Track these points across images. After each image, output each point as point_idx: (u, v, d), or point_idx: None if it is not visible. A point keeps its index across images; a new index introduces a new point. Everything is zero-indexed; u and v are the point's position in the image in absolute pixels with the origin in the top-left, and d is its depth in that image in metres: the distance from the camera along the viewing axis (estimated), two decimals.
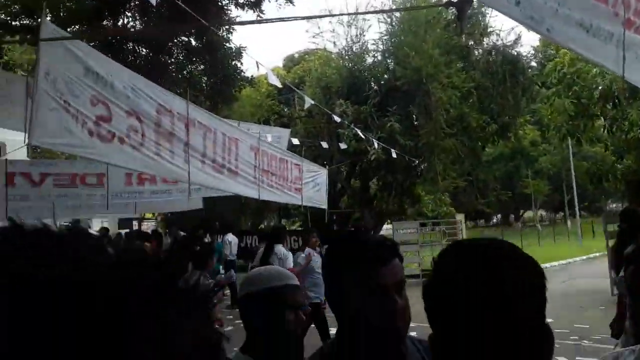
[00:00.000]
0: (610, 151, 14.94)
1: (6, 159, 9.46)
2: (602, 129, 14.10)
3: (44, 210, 11.62)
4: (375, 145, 13.30)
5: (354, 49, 18.91)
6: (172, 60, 13.65)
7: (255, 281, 1.82)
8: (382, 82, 18.11)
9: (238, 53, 14.07)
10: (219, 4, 12.86)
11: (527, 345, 0.94)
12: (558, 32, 2.65)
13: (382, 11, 18.85)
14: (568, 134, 13.82)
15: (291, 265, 7.60)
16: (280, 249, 7.84)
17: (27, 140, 4.06)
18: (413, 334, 1.48)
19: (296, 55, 25.10)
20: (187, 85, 12.53)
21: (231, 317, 9.50)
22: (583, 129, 13.67)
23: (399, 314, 1.34)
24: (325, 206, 10.71)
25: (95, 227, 17.07)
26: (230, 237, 13.09)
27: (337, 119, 11.34)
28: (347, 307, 1.38)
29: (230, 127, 7.25)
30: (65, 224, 21.24)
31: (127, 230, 18.18)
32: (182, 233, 14.08)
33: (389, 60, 18.65)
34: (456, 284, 0.98)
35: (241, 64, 14.58)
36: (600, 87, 12.75)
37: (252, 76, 15.75)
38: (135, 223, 24.38)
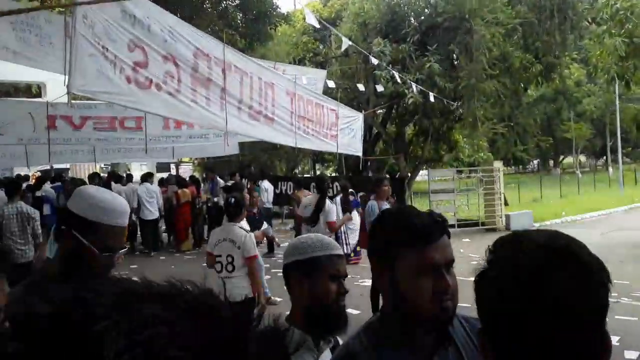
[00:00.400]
0: None
1: (47, 102, 9.58)
2: None
3: (84, 154, 11.92)
4: (414, 88, 12.96)
5: None
6: None
7: (299, 250, 1.82)
8: (422, 17, 17.38)
9: None
10: None
11: (581, 353, 0.89)
12: None
13: None
14: (617, 75, 13.13)
15: (334, 217, 7.50)
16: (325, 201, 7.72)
17: (67, 86, 4.06)
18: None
19: None
20: (222, 23, 12.31)
21: (268, 265, 9.69)
22: (633, 71, 12.97)
23: (448, 294, 1.31)
24: (360, 153, 10.62)
25: (135, 172, 17.40)
26: (266, 184, 13.16)
27: (373, 60, 11.02)
28: (393, 284, 1.34)
29: (267, 70, 7.13)
30: (104, 166, 21.68)
31: (167, 174, 18.46)
32: (219, 179, 14.18)
33: None
34: (515, 284, 0.92)
35: None
36: None
37: (287, 12, 15.34)
38: (172, 167, 24.86)
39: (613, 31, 12.31)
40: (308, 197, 8.37)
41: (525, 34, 16.41)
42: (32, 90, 21.17)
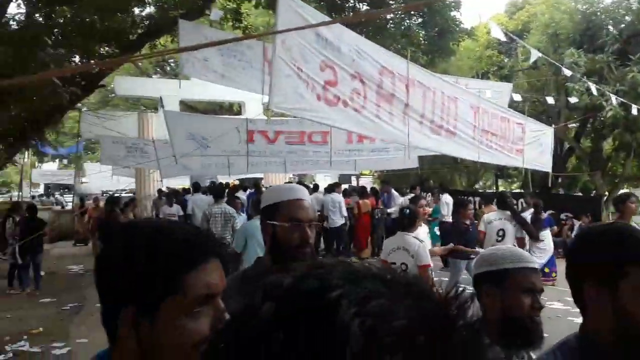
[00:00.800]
0: None
1: (247, 119, 10.66)
2: None
3: (276, 165, 12.97)
4: (613, 100, 11.80)
5: None
6: (390, 15, 13.64)
7: (490, 261, 1.78)
8: (622, 25, 15.82)
9: (457, 3, 13.55)
10: None
11: None
12: None
13: None
14: None
15: (523, 233, 7.36)
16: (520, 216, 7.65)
17: (264, 103, 4.54)
18: None
19: (520, 0, 23.16)
20: (405, 41, 12.52)
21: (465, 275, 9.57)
22: None
23: None
24: (549, 169, 9.94)
25: (320, 182, 18.43)
26: (447, 198, 13.04)
27: (566, 71, 10.28)
28: (616, 304, 1.25)
29: (450, 85, 7.09)
30: (292, 177, 23.32)
31: (348, 185, 19.22)
32: (394, 192, 14.31)
33: (631, 0, 16.18)
34: None
35: (460, 14, 14.02)
36: None
37: (471, 27, 15.04)
38: (353, 178, 25.74)
39: None
40: (491, 213, 8.15)
41: None
42: (233, 109, 23.71)
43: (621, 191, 19.55)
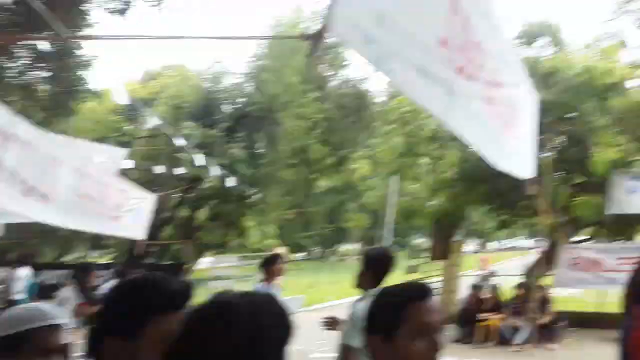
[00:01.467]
0: (426, 189, 14.99)
1: None
2: (424, 168, 14.72)
3: None
4: (216, 171, 12.72)
5: (214, 69, 18.53)
6: (15, 65, 12.42)
7: (4, 324, 1.58)
8: (236, 106, 17.69)
9: (87, 63, 12.89)
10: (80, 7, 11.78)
11: None
12: (398, 75, 2.42)
13: (236, 37, 18.19)
14: (396, 170, 14.25)
15: None
16: None
17: None
18: None
19: (159, 69, 23.42)
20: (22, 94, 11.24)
21: None
22: (410, 167, 14.37)
23: None
24: (142, 237, 9.71)
25: None
26: (23, 272, 11.39)
27: (177, 142, 10.53)
28: None
29: (52, 144, 6.18)
30: None
31: None
32: None
33: (247, 85, 18.34)
34: None
35: (90, 74, 13.45)
36: (429, 128, 13.34)
37: (101, 89, 14.46)
38: None
39: (398, 130, 13.62)
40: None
41: (326, 129, 17.72)
42: None
43: (207, 259, 20.99)
